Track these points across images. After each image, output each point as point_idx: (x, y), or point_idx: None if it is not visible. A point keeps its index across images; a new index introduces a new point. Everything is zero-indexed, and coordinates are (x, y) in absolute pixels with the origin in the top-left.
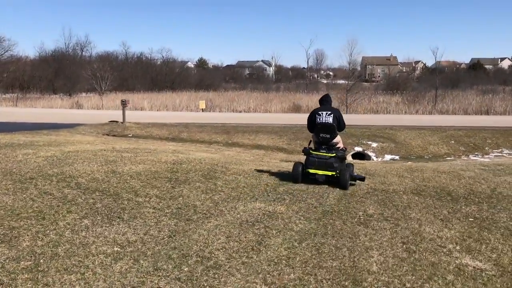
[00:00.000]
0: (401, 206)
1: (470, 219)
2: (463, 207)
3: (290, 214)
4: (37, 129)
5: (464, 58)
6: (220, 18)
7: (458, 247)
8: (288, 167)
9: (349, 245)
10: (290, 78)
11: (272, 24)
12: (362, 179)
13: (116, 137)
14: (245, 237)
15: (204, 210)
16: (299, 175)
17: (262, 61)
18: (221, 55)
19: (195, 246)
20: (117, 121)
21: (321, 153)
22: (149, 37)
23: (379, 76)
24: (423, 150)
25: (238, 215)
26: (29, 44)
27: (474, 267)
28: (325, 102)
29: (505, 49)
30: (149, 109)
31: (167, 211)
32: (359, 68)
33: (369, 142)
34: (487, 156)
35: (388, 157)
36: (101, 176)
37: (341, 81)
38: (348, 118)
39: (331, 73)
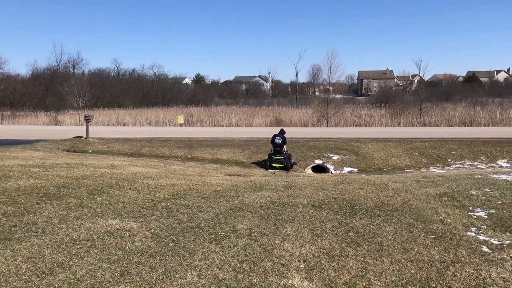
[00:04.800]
0: (283, 221)
1: (350, 233)
2: (354, 221)
3: (139, 231)
4: None
5: (462, 71)
6: (217, 34)
7: (302, 265)
8: (220, 181)
9: (171, 265)
10: (288, 93)
11: (269, 39)
12: (295, 163)
13: (74, 153)
14: (51, 257)
15: (40, 227)
16: (267, 165)
17: (259, 76)
18: (219, 72)
19: None
20: (81, 137)
21: (277, 157)
22: (143, 54)
23: (375, 90)
24: (384, 163)
25: (74, 233)
26: (21, 62)
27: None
28: (279, 132)
29: (502, 61)
30: (133, 124)
31: None
32: (356, 82)
33: (331, 155)
34: (447, 167)
35: (347, 169)
36: None
37: (338, 96)
38: (322, 131)
39: (330, 88)
